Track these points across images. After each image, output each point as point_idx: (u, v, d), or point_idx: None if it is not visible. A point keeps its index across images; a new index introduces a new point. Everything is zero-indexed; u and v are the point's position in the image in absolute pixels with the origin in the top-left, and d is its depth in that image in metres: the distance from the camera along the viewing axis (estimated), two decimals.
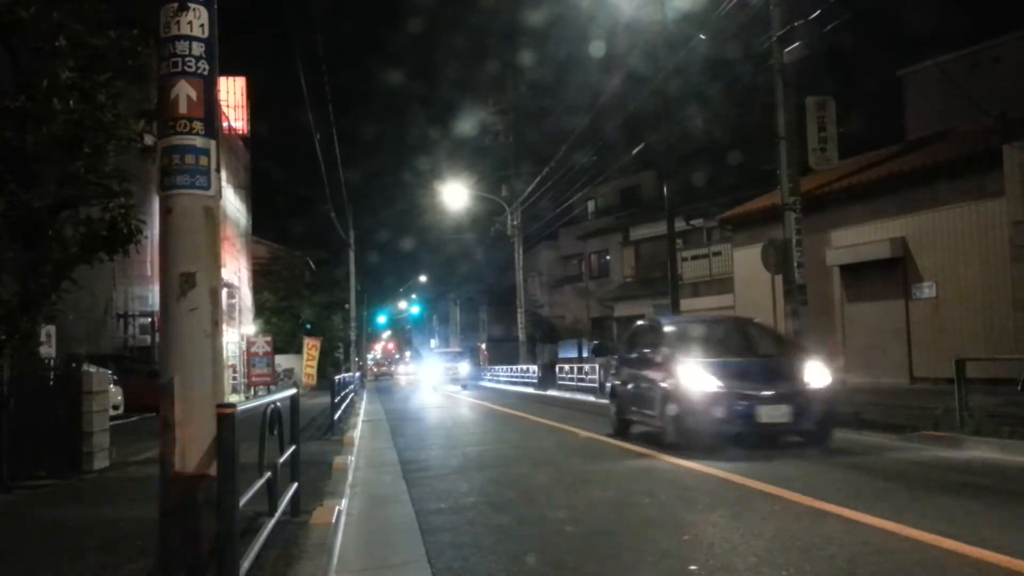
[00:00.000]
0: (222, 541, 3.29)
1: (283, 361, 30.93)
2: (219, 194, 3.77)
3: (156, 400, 3.57)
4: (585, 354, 34.70)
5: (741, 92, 17.09)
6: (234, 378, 25.44)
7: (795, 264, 12.03)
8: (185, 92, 3.57)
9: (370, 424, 14.40)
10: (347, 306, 38.80)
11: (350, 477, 7.34)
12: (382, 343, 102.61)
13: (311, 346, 31.60)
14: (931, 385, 15.48)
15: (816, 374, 8.54)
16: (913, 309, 16.94)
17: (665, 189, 18.91)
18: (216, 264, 3.71)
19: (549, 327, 39.39)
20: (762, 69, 12.89)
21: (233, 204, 27.56)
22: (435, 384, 35.67)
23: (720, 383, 8.12)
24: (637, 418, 9.85)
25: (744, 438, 8.17)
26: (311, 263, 40.86)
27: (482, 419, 15.49)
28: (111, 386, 10.02)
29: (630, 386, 10.11)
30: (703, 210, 26.53)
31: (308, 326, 36.35)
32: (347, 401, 16.49)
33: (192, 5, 3.59)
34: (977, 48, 19.00)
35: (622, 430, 10.36)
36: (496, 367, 38.57)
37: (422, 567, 4.30)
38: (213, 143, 3.67)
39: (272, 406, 4.55)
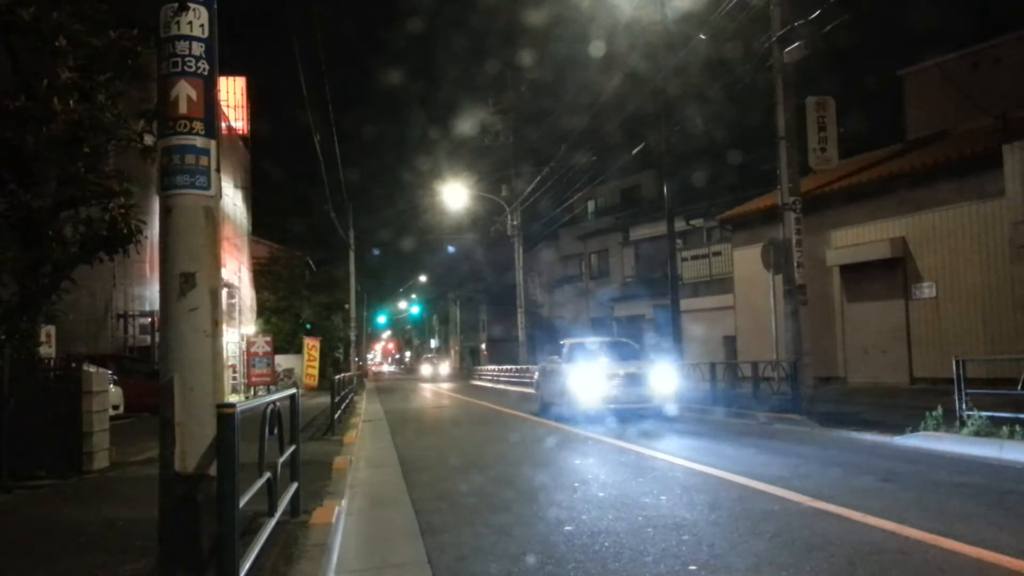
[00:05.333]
0: (222, 541, 3.29)
1: (283, 361, 30.91)
2: (219, 194, 3.77)
3: (156, 400, 3.57)
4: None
5: (741, 92, 17.09)
6: (234, 378, 25.42)
7: (795, 264, 12.03)
8: (185, 92, 3.57)
9: (370, 424, 14.40)
10: (347, 306, 38.79)
11: (350, 477, 7.34)
12: (382, 343, 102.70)
13: (311, 346, 31.58)
14: (931, 385, 15.49)
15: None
16: (913, 309, 16.94)
17: (665, 189, 18.91)
18: (216, 264, 3.71)
19: (549, 327, 39.40)
20: (762, 69, 12.89)
21: (233, 204, 27.56)
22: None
23: None
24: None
25: None
26: (311, 263, 40.84)
27: (482, 419, 15.49)
28: (111, 386, 10.02)
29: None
30: (703, 210, 26.56)
31: (308, 326, 36.34)
32: (347, 401, 16.51)
33: (192, 5, 3.59)
34: (977, 48, 18.99)
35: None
36: (494, 366, 38.56)
37: (422, 567, 4.31)
38: (213, 143, 3.67)
39: (272, 406, 4.55)
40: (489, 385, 33.78)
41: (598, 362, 13.66)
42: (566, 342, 15.74)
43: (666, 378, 13.12)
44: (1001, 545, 4.24)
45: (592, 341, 16.05)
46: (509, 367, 33.46)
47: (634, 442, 9.63)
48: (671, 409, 12.92)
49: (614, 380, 12.79)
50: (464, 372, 51.95)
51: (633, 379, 12.87)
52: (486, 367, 41.60)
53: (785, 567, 3.98)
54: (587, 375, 13.00)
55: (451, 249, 56.47)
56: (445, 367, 56.99)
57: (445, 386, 35.16)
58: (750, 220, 21.77)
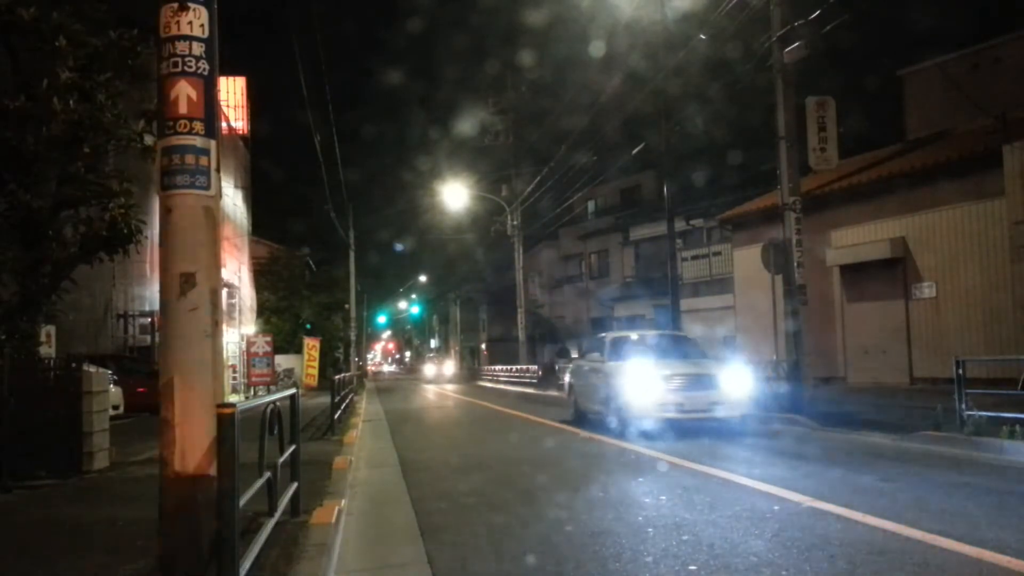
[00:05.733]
0: (222, 541, 3.29)
1: (283, 361, 30.91)
2: (219, 194, 3.77)
3: (156, 400, 3.57)
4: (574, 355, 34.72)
5: (741, 92, 17.11)
6: (234, 378, 25.43)
7: (795, 264, 12.04)
8: (185, 92, 3.57)
9: (370, 424, 14.40)
10: (347, 306, 38.80)
11: (350, 477, 7.34)
12: (382, 343, 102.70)
13: (311, 346, 31.60)
14: (931, 385, 15.49)
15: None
16: (913, 309, 16.94)
17: (665, 189, 18.92)
18: (216, 264, 3.70)
19: (549, 327, 39.40)
20: (762, 69, 12.90)
21: (233, 204, 27.58)
22: None
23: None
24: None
25: None
26: (311, 263, 40.87)
27: (482, 419, 15.50)
28: (111, 386, 10.01)
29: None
30: (703, 210, 26.56)
31: (308, 326, 36.36)
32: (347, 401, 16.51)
33: (192, 5, 3.59)
34: (977, 48, 19.00)
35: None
36: (500, 366, 37.70)
37: (422, 567, 4.30)
38: (213, 143, 3.67)
39: (272, 406, 4.55)
40: (498, 386, 32.83)
41: (652, 360, 11.08)
42: (608, 335, 13.03)
43: (739, 380, 10.71)
44: (1001, 545, 4.24)
45: (640, 334, 13.61)
46: (522, 367, 32.38)
47: (633, 443, 9.63)
48: (745, 418, 10.68)
49: (675, 382, 10.35)
50: (467, 372, 50.95)
51: (699, 381, 10.47)
52: (492, 367, 40.38)
53: (785, 567, 3.98)
54: (640, 376, 10.46)
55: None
56: (449, 367, 53.81)
57: (449, 387, 34.30)
58: (750, 220, 21.77)
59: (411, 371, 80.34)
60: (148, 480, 6.21)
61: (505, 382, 33.00)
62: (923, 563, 4.01)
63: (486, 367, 41.96)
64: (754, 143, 22.65)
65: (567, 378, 14.15)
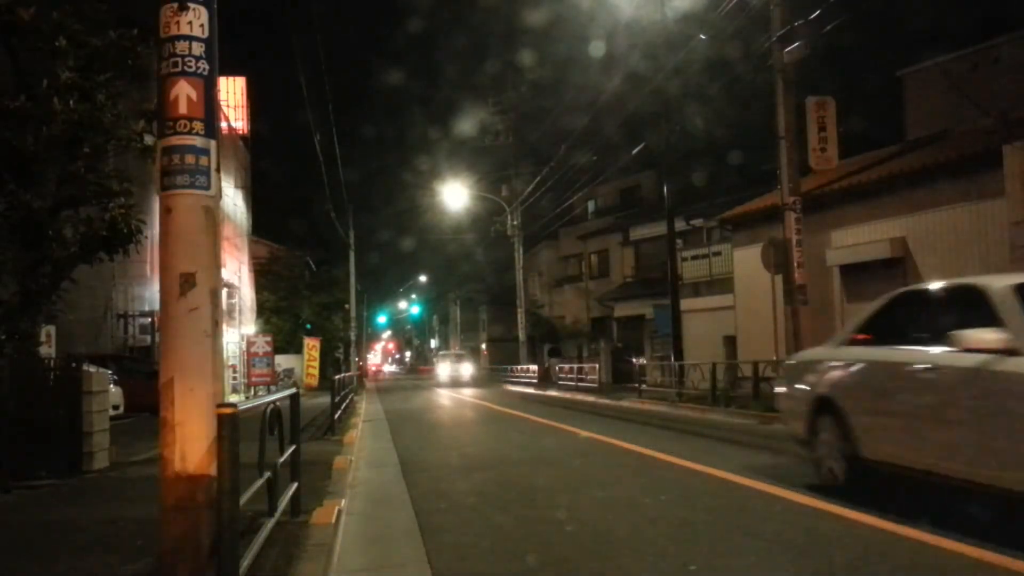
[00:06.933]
0: (222, 541, 3.29)
1: (283, 361, 30.91)
2: (219, 194, 3.76)
3: (156, 400, 3.56)
4: (587, 355, 34.75)
5: (741, 92, 17.14)
6: (234, 378, 25.42)
7: (795, 264, 12.04)
8: (185, 92, 3.57)
9: (370, 424, 14.40)
10: (347, 306, 38.77)
11: (350, 477, 7.34)
12: (382, 343, 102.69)
13: (311, 346, 31.59)
14: None
15: None
16: None
17: (665, 189, 18.94)
18: (216, 264, 3.70)
19: (549, 327, 39.39)
20: (762, 69, 12.91)
21: (233, 204, 27.55)
22: None
23: None
24: None
25: None
26: (311, 263, 40.85)
27: (482, 419, 15.49)
28: (111, 386, 10.01)
29: None
30: (703, 210, 26.55)
31: (308, 326, 36.36)
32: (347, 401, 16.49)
33: (192, 5, 3.59)
34: (977, 48, 18.98)
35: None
36: (525, 366, 33.44)
37: (422, 567, 4.30)
38: (213, 143, 3.66)
39: (272, 406, 4.55)
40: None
41: None
42: (1001, 282, 4.92)
43: None
44: (1001, 545, 4.23)
45: None
46: (534, 368, 30.71)
47: (622, 441, 9.60)
48: None
49: None
50: (494, 373, 41.46)
51: None
52: (523, 367, 33.64)
53: (784, 567, 3.98)
54: None
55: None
56: (468, 368, 41.32)
57: (469, 392, 27.89)
58: (750, 220, 21.75)
59: (412, 371, 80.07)
60: (148, 480, 6.20)
61: (505, 382, 32.59)
62: (923, 563, 3.99)
63: (519, 367, 34.59)
64: (754, 143, 22.68)
65: (783, 389, 7.54)
